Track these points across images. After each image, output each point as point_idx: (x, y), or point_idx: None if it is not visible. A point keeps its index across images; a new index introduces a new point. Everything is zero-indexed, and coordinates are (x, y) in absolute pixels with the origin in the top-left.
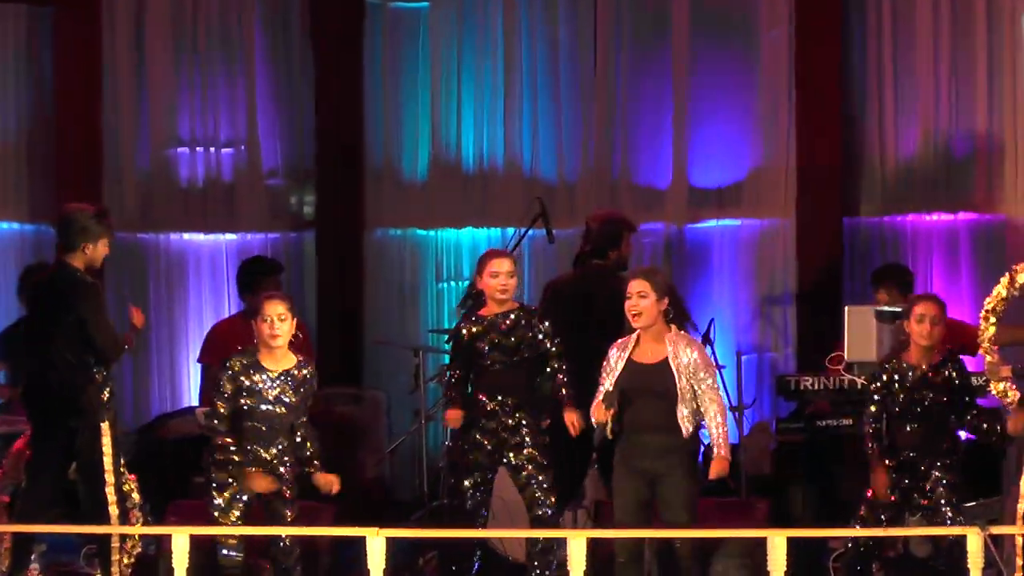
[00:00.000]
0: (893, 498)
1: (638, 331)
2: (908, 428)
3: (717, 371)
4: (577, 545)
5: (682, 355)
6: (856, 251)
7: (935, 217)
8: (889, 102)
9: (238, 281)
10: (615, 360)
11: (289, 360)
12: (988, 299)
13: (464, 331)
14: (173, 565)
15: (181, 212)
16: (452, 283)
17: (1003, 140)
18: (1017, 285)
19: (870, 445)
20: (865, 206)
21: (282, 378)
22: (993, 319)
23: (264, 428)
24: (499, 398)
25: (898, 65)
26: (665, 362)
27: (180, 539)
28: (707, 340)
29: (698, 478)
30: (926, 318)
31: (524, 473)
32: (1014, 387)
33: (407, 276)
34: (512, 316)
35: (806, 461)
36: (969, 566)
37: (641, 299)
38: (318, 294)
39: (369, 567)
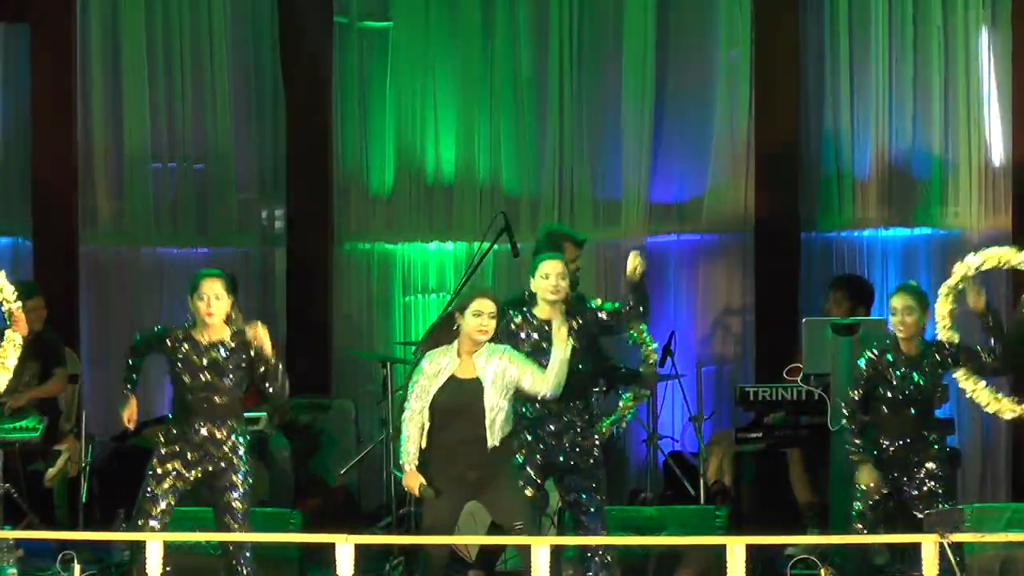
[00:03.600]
0: (885, 490)
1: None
2: (897, 416)
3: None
4: (542, 552)
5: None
6: (813, 266)
7: (891, 232)
8: (846, 120)
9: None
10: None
11: (223, 332)
12: (951, 278)
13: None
14: (147, 571)
15: (153, 226)
16: (419, 296)
17: (958, 157)
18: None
19: (856, 441)
20: (822, 221)
21: (215, 348)
22: (953, 297)
23: (205, 404)
24: None
25: (855, 84)
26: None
27: (154, 545)
28: (668, 352)
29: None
30: (898, 310)
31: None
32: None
33: (375, 289)
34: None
35: (764, 470)
36: (924, 573)
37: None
38: (288, 306)
39: (338, 572)
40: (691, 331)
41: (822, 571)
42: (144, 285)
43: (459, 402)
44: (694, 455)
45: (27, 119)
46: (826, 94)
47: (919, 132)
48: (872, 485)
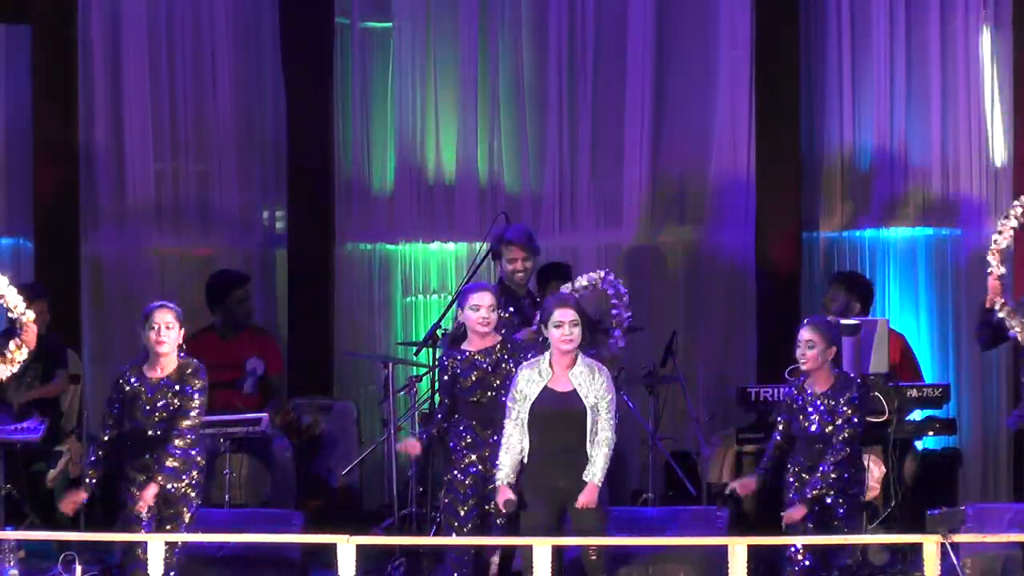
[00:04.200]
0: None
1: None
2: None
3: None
4: (542, 552)
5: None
6: (815, 265)
7: (892, 231)
8: (848, 120)
9: (208, 295)
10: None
11: (169, 365)
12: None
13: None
14: (149, 571)
15: (155, 226)
16: (420, 296)
17: (959, 157)
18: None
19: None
20: (824, 220)
21: (163, 385)
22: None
23: (153, 441)
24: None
25: (856, 84)
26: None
27: (155, 546)
28: (669, 352)
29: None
30: (801, 342)
31: None
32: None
33: (376, 289)
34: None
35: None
36: (925, 573)
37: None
38: (289, 307)
39: (340, 573)
40: (692, 331)
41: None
42: (145, 286)
43: (553, 412)
44: (696, 456)
45: (28, 119)
46: (827, 94)
47: (920, 132)
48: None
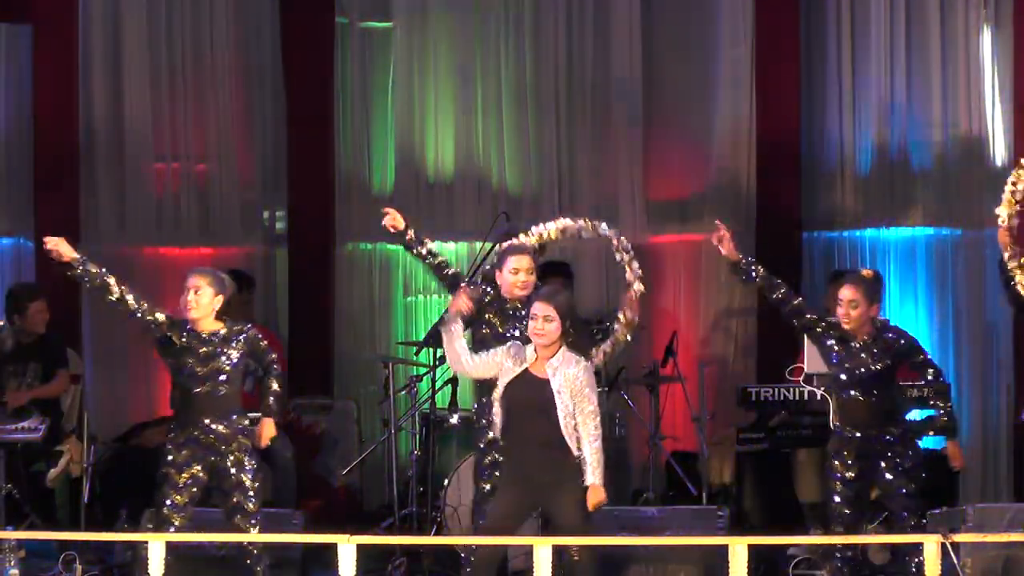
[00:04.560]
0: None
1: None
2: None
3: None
4: (544, 552)
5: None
6: (815, 265)
7: (892, 231)
8: (848, 120)
9: None
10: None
11: (214, 325)
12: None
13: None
14: (149, 572)
15: (156, 226)
16: (420, 296)
17: (959, 156)
18: None
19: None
20: (823, 221)
21: (214, 338)
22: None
23: (210, 397)
24: None
25: (856, 84)
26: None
27: (156, 546)
28: (669, 352)
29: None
30: (843, 301)
31: None
32: None
33: (376, 289)
34: None
35: (766, 470)
36: (926, 573)
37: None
38: (290, 307)
39: (340, 573)
40: (693, 331)
41: (824, 572)
42: (146, 285)
43: (532, 399)
44: (696, 455)
45: (29, 119)
46: (828, 93)
47: (920, 131)
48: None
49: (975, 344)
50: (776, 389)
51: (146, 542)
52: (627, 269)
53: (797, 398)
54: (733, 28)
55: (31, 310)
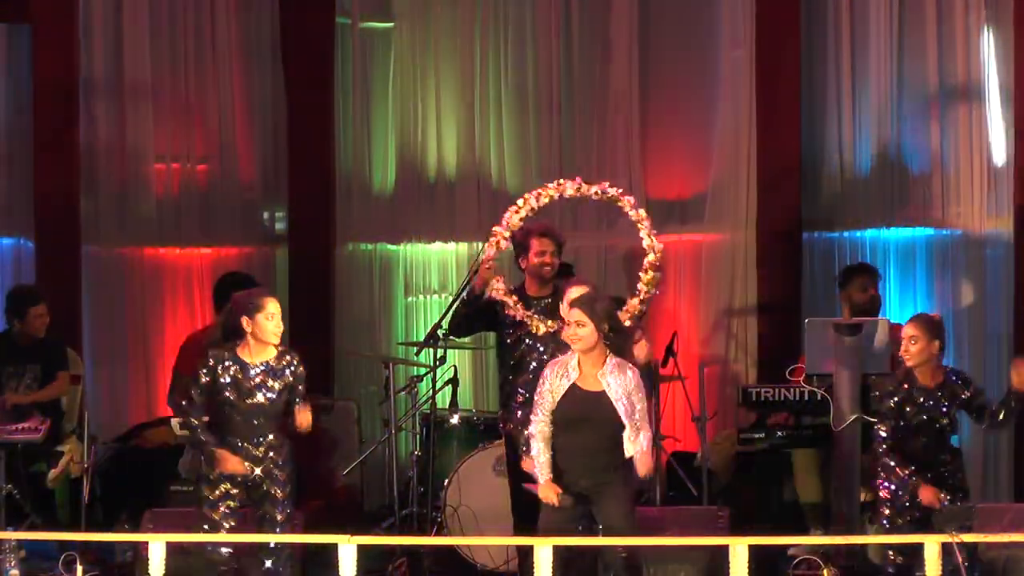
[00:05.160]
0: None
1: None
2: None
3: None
4: (544, 552)
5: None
6: (815, 265)
7: (892, 232)
8: (847, 121)
9: (216, 296)
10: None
11: (269, 352)
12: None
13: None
14: (150, 572)
15: (157, 226)
16: (420, 296)
17: (959, 157)
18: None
19: (887, 461)
20: (824, 221)
21: (262, 368)
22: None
23: (250, 421)
24: None
25: (855, 85)
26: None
27: (156, 546)
28: (670, 352)
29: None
30: (904, 338)
31: None
32: None
33: (377, 289)
34: None
35: (767, 470)
36: (927, 573)
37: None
38: (290, 307)
39: (341, 573)
40: (693, 331)
41: (825, 572)
42: (146, 286)
43: (580, 413)
44: (697, 455)
45: (29, 119)
46: (828, 94)
47: (920, 132)
48: (932, 499)
49: (975, 344)
50: (776, 389)
51: (147, 542)
52: (640, 228)
53: (797, 398)
54: (733, 29)
55: (31, 315)
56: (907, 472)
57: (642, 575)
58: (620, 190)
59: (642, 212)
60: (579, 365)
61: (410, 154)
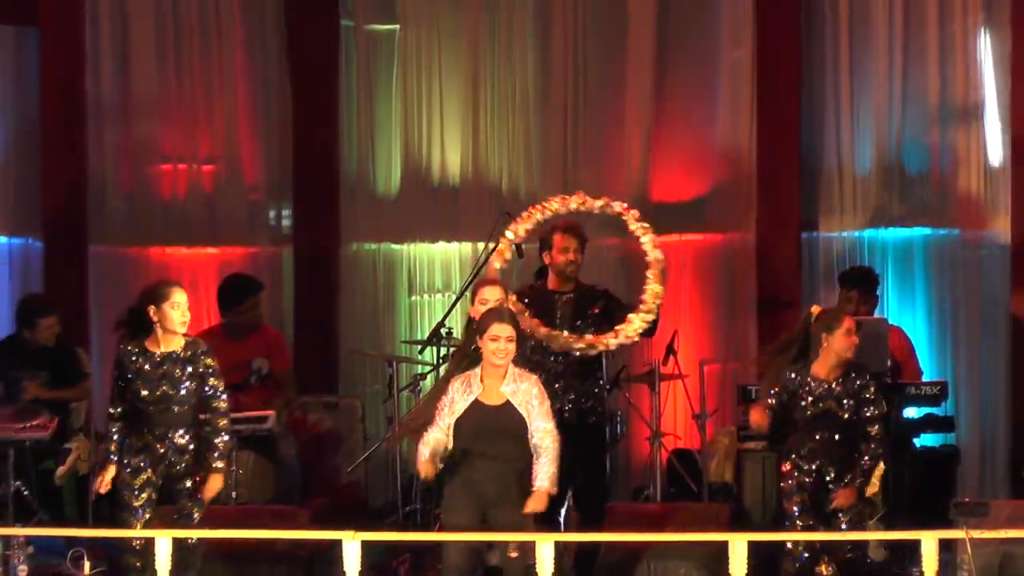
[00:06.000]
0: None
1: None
2: (815, 437)
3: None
4: (546, 548)
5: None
6: (814, 265)
7: (891, 232)
8: (846, 122)
9: (221, 298)
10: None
11: (177, 342)
12: None
13: None
14: (156, 567)
15: (163, 226)
16: (424, 296)
17: (957, 157)
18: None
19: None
20: (823, 221)
21: (170, 358)
22: None
23: (160, 414)
24: None
25: (855, 87)
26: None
27: (163, 541)
28: (670, 350)
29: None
30: (852, 331)
31: None
32: None
33: (381, 289)
34: None
35: (766, 467)
36: (924, 569)
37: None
38: (295, 306)
39: (345, 569)
40: (694, 330)
41: (823, 567)
42: None
43: (483, 426)
44: (697, 453)
45: (37, 121)
46: (827, 95)
47: (918, 133)
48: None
49: (972, 343)
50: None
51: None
52: (643, 240)
53: None
54: (733, 32)
55: (41, 325)
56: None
57: None
58: (625, 205)
59: (646, 226)
60: (482, 380)
61: (414, 156)
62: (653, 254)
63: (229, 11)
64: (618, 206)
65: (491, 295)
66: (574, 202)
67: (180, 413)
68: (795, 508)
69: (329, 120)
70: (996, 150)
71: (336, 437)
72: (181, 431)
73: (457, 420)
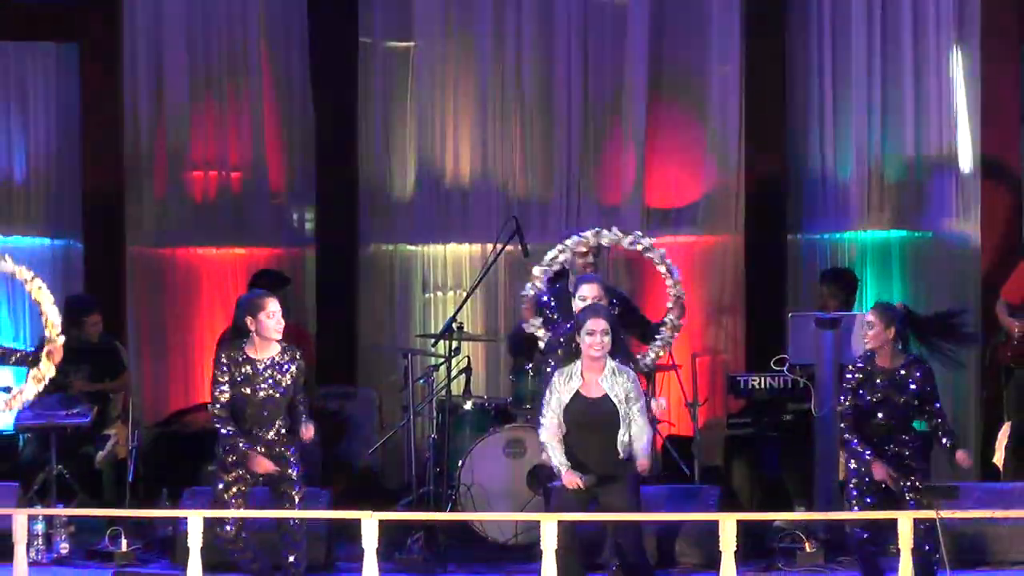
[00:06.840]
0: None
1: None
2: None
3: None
4: (550, 527)
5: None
6: (799, 265)
7: (870, 234)
8: (828, 132)
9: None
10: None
11: (273, 348)
12: None
13: None
14: (188, 544)
15: (194, 229)
16: (437, 293)
17: (930, 165)
18: None
19: (848, 437)
20: (807, 224)
21: (268, 364)
22: None
23: (261, 413)
24: None
25: (837, 98)
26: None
27: (195, 521)
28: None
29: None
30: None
31: None
32: None
33: (396, 287)
34: None
35: (753, 452)
36: (900, 547)
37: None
38: (317, 303)
39: (364, 546)
40: (686, 324)
41: (807, 545)
42: (185, 283)
43: (585, 418)
44: (690, 439)
45: (78, 132)
46: (811, 108)
47: (896, 141)
48: (884, 476)
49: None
50: (763, 378)
51: (186, 518)
52: (667, 277)
53: (781, 386)
54: (722, 48)
55: (87, 323)
56: (866, 450)
57: (646, 556)
58: (652, 240)
59: (670, 264)
60: (582, 374)
61: (428, 163)
62: (675, 291)
63: (256, 30)
64: (646, 242)
65: (588, 292)
66: (606, 237)
67: (275, 412)
68: (855, 489)
69: (349, 131)
70: (966, 157)
71: (355, 424)
72: (278, 424)
73: (564, 408)
